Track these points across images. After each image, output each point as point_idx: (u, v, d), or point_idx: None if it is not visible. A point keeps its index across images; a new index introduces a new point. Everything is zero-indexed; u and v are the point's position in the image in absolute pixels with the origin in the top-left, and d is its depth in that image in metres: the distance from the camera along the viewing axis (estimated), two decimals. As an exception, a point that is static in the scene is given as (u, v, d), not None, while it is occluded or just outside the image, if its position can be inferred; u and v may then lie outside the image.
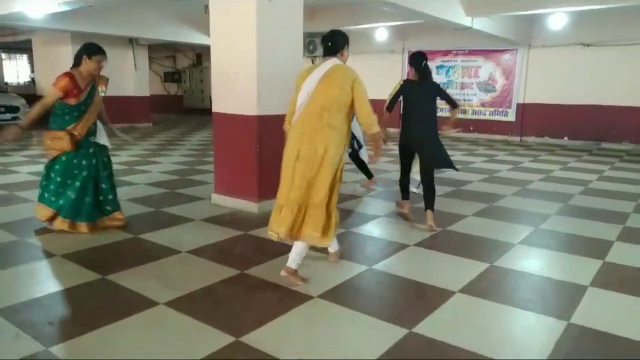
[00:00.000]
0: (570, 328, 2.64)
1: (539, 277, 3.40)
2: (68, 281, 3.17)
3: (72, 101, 3.95)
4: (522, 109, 12.22)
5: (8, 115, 12.46)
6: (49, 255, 3.64)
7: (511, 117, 12.40)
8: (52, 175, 4.08)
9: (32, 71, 16.45)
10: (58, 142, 3.96)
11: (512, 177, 7.15)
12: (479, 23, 9.07)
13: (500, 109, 12.55)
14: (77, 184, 4.05)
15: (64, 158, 4.03)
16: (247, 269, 3.39)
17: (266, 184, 4.97)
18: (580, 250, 3.94)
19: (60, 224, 4.06)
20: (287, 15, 4.98)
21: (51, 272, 3.40)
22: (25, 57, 17.87)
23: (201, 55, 18.45)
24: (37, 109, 3.93)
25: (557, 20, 10.00)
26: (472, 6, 8.59)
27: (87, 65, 3.97)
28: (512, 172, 7.66)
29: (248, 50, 4.74)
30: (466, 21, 8.70)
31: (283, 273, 3.15)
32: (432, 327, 2.63)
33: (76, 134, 3.99)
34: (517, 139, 12.36)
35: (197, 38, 12.57)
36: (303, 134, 3.02)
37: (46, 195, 4.09)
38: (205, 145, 10.28)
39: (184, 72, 19.31)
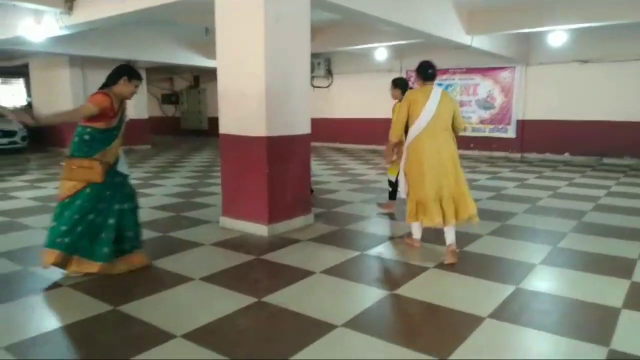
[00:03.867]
0: (612, 355, 2.51)
1: (569, 299, 3.27)
2: (78, 314, 3.00)
3: (102, 125, 3.47)
4: (522, 125, 12.23)
5: (5, 140, 12.39)
6: (55, 285, 3.48)
7: (511, 133, 12.41)
8: (68, 213, 3.46)
9: (29, 95, 16.36)
10: (86, 172, 3.43)
11: (520, 195, 7.06)
12: (478, 41, 9.13)
13: (500, 126, 12.56)
14: (98, 218, 3.55)
15: (88, 191, 3.46)
16: (264, 297, 3.25)
17: (276, 206, 4.86)
18: (604, 269, 3.83)
19: (74, 266, 3.55)
20: (294, 35, 4.93)
21: (60, 304, 3.23)
22: (21, 80, 17.79)
23: (199, 77, 18.45)
24: (65, 115, 3.41)
25: (555, 37, 10.10)
26: (473, 25, 8.66)
27: (125, 87, 3.57)
28: (519, 189, 7.58)
29: (256, 71, 4.66)
30: (466, 40, 8.74)
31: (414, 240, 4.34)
32: (468, 356, 2.50)
33: (105, 162, 3.51)
34: (518, 155, 12.34)
35: (195, 60, 12.61)
36: (440, 149, 3.91)
37: (57, 239, 3.47)
38: (207, 167, 10.16)
39: (182, 94, 19.30)
